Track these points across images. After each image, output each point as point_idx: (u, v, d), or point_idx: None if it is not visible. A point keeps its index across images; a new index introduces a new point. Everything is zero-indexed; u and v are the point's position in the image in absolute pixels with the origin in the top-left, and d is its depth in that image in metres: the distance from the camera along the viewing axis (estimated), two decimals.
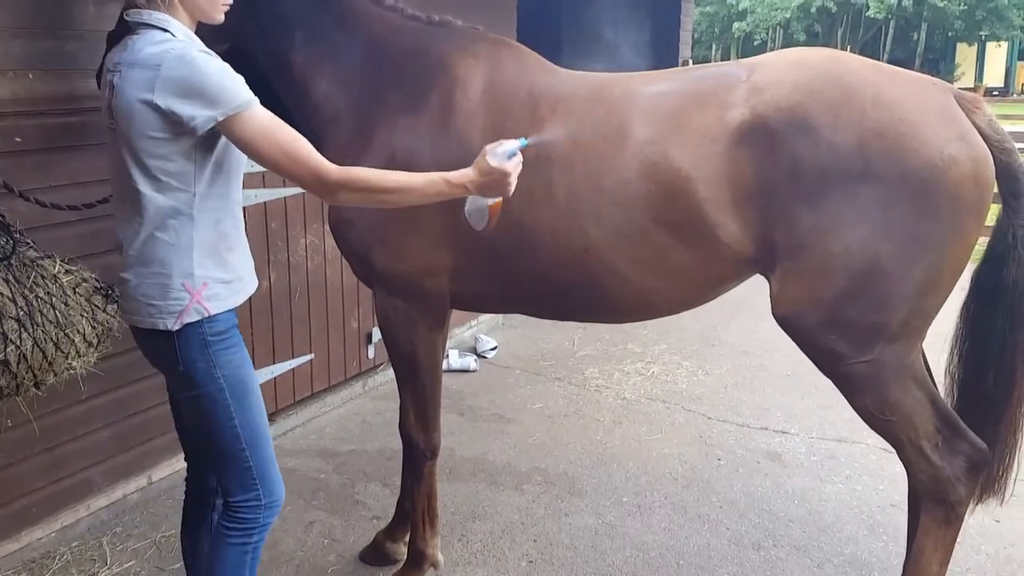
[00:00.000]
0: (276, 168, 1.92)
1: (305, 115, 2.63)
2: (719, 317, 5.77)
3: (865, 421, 2.42)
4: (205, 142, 1.92)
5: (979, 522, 3.28)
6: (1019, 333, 2.41)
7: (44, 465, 3.04)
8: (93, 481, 3.22)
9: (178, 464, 3.56)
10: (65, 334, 2.58)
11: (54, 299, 2.58)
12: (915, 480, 2.46)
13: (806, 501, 3.51)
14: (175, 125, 1.85)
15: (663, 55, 8.05)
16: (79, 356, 2.65)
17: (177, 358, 2.01)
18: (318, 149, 2.67)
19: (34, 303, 2.52)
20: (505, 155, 2.00)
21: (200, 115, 1.83)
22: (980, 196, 2.21)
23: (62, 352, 2.58)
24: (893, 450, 2.46)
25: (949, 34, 39.56)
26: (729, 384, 4.83)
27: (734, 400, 4.59)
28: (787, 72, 2.29)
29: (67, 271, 2.65)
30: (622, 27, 8.09)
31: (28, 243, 2.61)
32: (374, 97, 2.57)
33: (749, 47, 42.25)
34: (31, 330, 2.49)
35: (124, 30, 2.01)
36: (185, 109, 1.83)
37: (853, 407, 2.41)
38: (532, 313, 2.79)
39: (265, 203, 3.87)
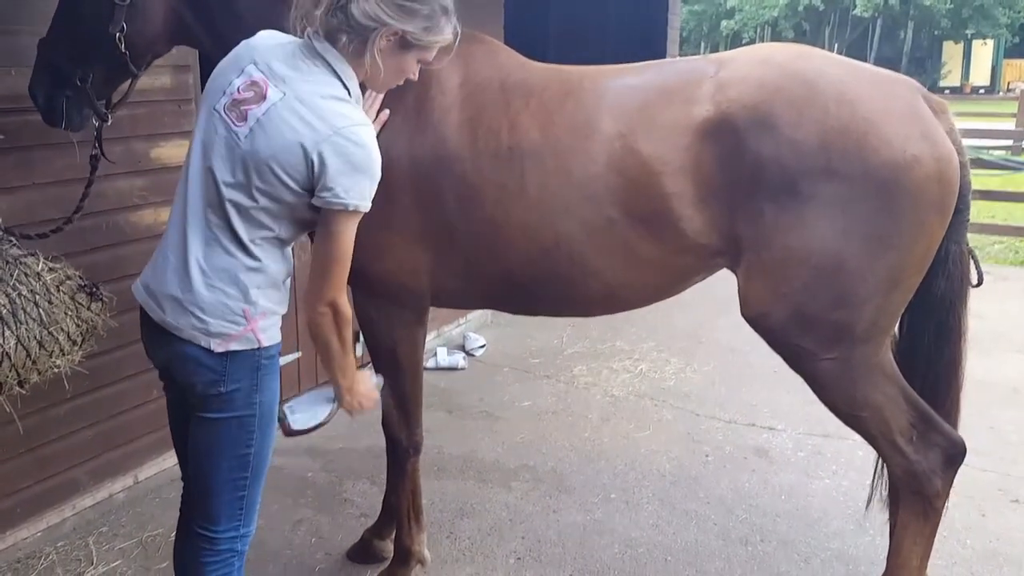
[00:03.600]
0: (317, 262, 1.91)
1: None
2: (706, 315, 5.79)
3: (838, 417, 2.45)
4: (313, 213, 1.90)
5: (964, 516, 3.30)
6: (945, 348, 2.47)
7: (29, 465, 3.02)
8: (79, 481, 3.21)
9: (165, 463, 3.55)
10: (49, 332, 2.56)
11: (37, 297, 2.56)
12: (892, 474, 2.48)
13: (793, 496, 3.53)
14: (308, 181, 1.82)
15: (651, 53, 8.04)
16: (63, 354, 2.63)
17: (224, 378, 1.92)
18: None
19: (17, 301, 2.50)
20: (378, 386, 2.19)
21: (337, 200, 1.82)
22: (943, 195, 2.23)
23: (46, 350, 2.56)
24: (881, 458, 2.49)
25: (936, 32, 39.80)
26: (716, 381, 4.84)
27: (721, 397, 4.60)
28: (753, 69, 2.31)
29: (50, 269, 2.63)
30: (610, 24, 8.08)
31: (11, 240, 2.59)
32: None
33: (737, 45, 42.08)
34: (14, 328, 2.47)
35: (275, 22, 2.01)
36: (330, 181, 1.80)
37: (824, 404, 2.44)
38: (507, 308, 2.80)
39: None
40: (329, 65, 1.87)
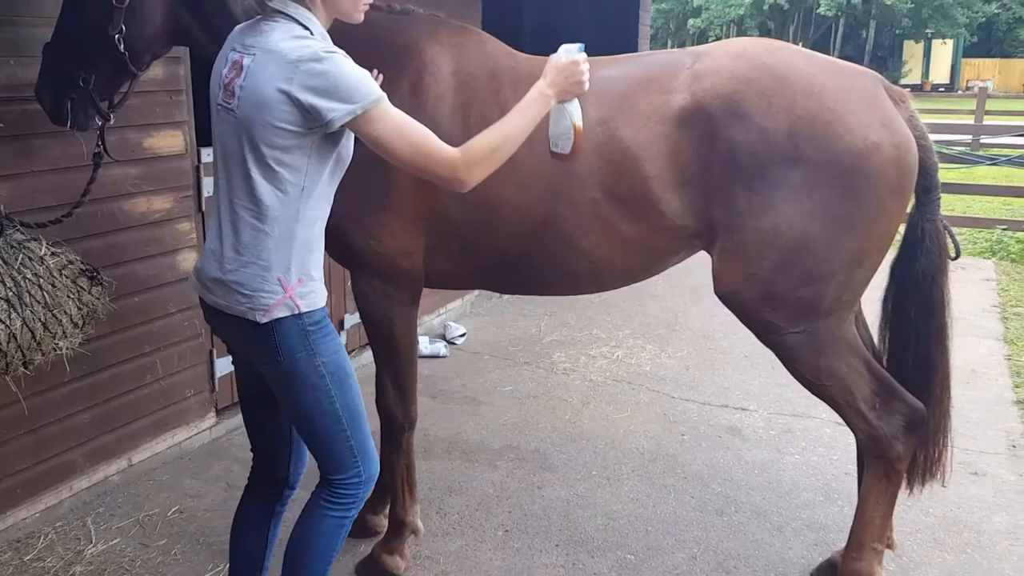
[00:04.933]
0: (407, 163, 1.95)
1: None
2: (680, 303, 5.95)
3: (805, 387, 2.61)
4: (326, 143, 1.96)
5: (927, 487, 3.48)
6: (931, 320, 2.63)
7: (28, 447, 3.08)
8: (75, 463, 3.27)
9: (157, 447, 3.63)
10: (53, 315, 2.64)
11: (41, 280, 2.64)
12: (857, 439, 2.65)
13: (765, 471, 3.70)
14: (309, 119, 1.88)
15: (623, 50, 8.21)
16: (66, 337, 2.71)
17: (277, 351, 2.00)
18: None
19: (22, 284, 2.58)
20: (574, 52, 2.09)
21: (338, 109, 1.86)
22: (901, 180, 2.40)
23: (50, 332, 2.64)
24: (846, 424, 2.65)
25: (897, 31, 40.58)
26: (691, 365, 5.01)
27: (696, 380, 4.76)
28: (726, 61, 2.47)
29: (53, 253, 2.71)
30: (583, 22, 8.23)
31: (15, 225, 2.66)
32: None
33: (704, 43, 42.86)
34: (20, 310, 2.55)
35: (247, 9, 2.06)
36: (323, 104, 1.85)
37: (792, 375, 2.60)
38: (498, 288, 2.93)
39: None
40: (286, 15, 1.96)
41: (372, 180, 2.46)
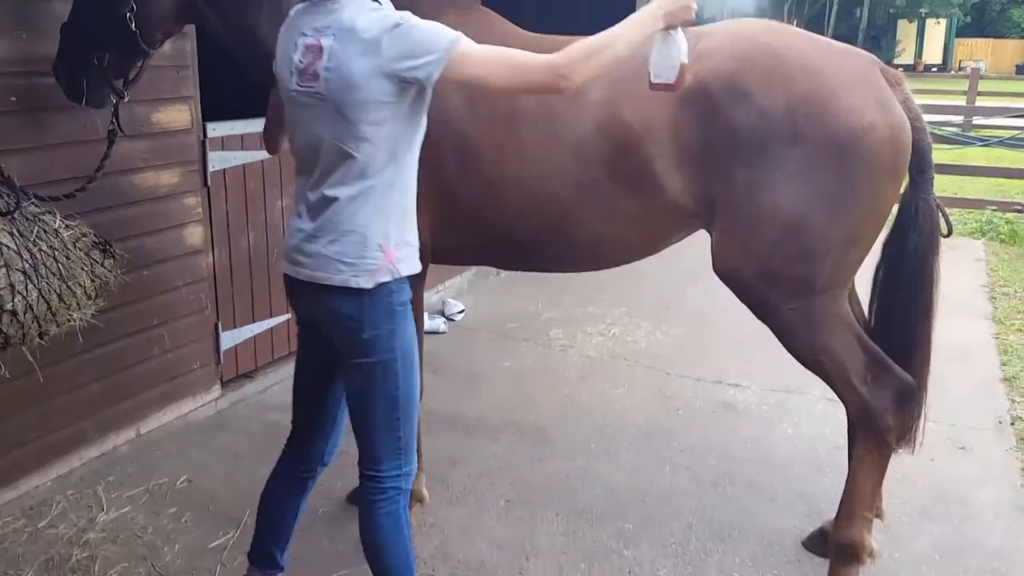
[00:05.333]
0: (511, 85, 1.97)
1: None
2: (674, 283, 6.03)
3: (799, 362, 2.68)
4: (415, 109, 2.01)
5: (916, 462, 3.57)
6: (920, 295, 2.71)
7: (39, 416, 3.15)
8: (85, 432, 3.34)
9: (164, 418, 3.70)
10: (67, 286, 2.69)
11: (56, 253, 2.69)
12: (848, 411, 2.73)
13: (758, 445, 3.79)
14: (403, 85, 1.93)
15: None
16: (79, 308, 2.77)
17: (363, 323, 2.05)
18: None
19: (38, 256, 2.62)
20: None
21: (430, 61, 1.89)
22: (896, 160, 2.47)
23: (64, 304, 2.70)
24: (837, 400, 2.74)
25: (890, 11, 40.47)
26: (685, 343, 5.09)
27: (690, 357, 4.85)
28: (727, 42, 2.53)
29: (67, 226, 2.76)
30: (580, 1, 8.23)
31: (30, 198, 2.71)
32: None
33: (699, 20, 42.59)
34: (36, 282, 2.60)
35: None
36: (414, 63, 1.90)
37: (787, 349, 2.67)
38: (502, 264, 2.99)
39: (243, 166, 3.97)
40: None
41: None
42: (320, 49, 1.96)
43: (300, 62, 2.00)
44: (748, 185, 2.45)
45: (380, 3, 2.01)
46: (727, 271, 2.61)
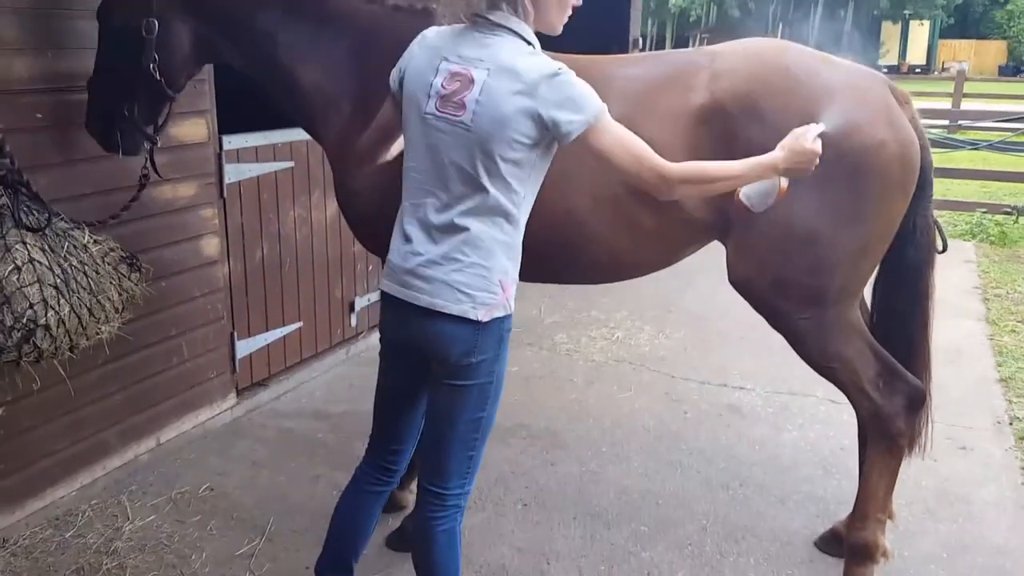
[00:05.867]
0: (625, 171, 2.03)
1: (295, 104, 2.85)
2: (675, 285, 6.12)
3: (812, 368, 2.78)
4: (546, 155, 2.06)
5: (919, 463, 3.67)
6: (918, 308, 2.82)
7: (65, 427, 3.19)
8: (108, 442, 3.39)
9: (183, 427, 3.74)
10: (97, 300, 2.75)
11: (86, 267, 2.74)
12: (860, 417, 2.82)
13: (766, 447, 3.88)
14: (544, 133, 1.98)
15: (614, 28, 8.37)
16: (108, 321, 2.82)
17: (475, 348, 2.07)
18: (312, 129, 2.91)
19: (69, 271, 2.68)
20: (815, 137, 2.12)
21: (576, 121, 1.95)
22: (905, 176, 2.57)
23: (95, 317, 2.75)
24: (841, 401, 2.83)
25: (875, 12, 40.80)
26: (688, 346, 5.18)
27: (694, 360, 4.94)
28: (742, 61, 2.62)
29: (95, 241, 2.81)
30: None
31: (59, 214, 2.75)
32: (370, 83, 2.78)
33: (684, 22, 42.87)
34: (67, 296, 2.65)
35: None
36: (564, 116, 1.94)
37: (800, 357, 2.76)
38: (521, 277, 3.04)
39: (257, 177, 4.03)
40: (508, 29, 2.00)
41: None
42: (471, 80, 1.98)
43: (443, 87, 2.01)
44: None
45: (534, 47, 2.03)
46: (741, 281, 2.70)
